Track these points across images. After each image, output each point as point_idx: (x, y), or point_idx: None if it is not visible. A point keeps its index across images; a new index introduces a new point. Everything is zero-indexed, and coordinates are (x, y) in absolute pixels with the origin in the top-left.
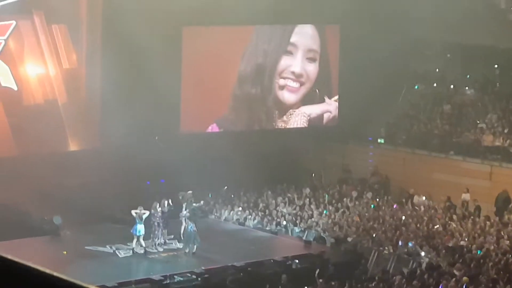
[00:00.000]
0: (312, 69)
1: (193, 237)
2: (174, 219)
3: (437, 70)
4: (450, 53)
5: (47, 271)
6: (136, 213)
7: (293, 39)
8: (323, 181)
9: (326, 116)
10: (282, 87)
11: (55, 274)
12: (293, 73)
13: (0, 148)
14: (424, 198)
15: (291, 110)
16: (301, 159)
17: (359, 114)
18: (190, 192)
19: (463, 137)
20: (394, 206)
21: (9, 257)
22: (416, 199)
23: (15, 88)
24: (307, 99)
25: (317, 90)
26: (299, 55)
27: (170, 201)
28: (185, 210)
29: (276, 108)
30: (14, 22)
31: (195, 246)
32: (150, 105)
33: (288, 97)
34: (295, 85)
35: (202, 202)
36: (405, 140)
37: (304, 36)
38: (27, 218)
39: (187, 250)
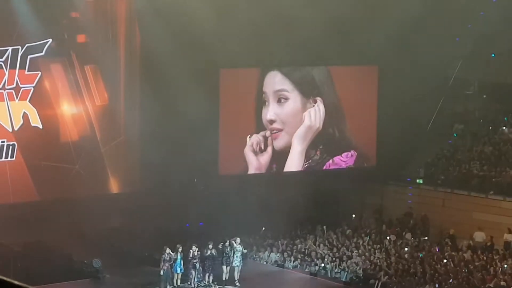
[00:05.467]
0: (285, 109)
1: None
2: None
3: (476, 109)
4: (488, 92)
5: None
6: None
7: (264, 87)
8: (362, 222)
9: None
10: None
11: None
12: (268, 121)
13: (40, 190)
14: (483, 233)
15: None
16: (340, 200)
17: (398, 154)
18: (238, 239)
19: (502, 177)
20: (437, 250)
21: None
22: (476, 234)
23: (41, 127)
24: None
25: (336, 132)
26: (271, 101)
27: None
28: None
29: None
30: (40, 73)
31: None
32: (189, 146)
33: (275, 144)
34: (275, 131)
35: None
36: (444, 180)
37: (271, 82)
38: (67, 261)
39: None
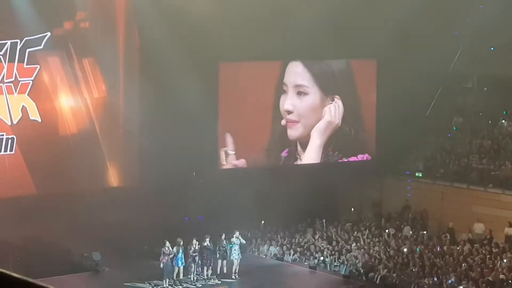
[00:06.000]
0: (304, 103)
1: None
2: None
3: (475, 103)
4: (487, 86)
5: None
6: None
7: (284, 78)
8: (361, 215)
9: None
10: (286, 125)
11: None
12: (286, 111)
13: (38, 184)
14: (482, 224)
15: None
16: (339, 193)
17: (397, 148)
18: (237, 232)
19: (501, 170)
20: (438, 249)
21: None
22: (475, 226)
23: (39, 121)
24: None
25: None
26: (290, 92)
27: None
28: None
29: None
30: (38, 66)
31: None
32: (188, 140)
33: (290, 133)
34: (291, 122)
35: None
36: (443, 173)
37: (292, 74)
38: (67, 254)
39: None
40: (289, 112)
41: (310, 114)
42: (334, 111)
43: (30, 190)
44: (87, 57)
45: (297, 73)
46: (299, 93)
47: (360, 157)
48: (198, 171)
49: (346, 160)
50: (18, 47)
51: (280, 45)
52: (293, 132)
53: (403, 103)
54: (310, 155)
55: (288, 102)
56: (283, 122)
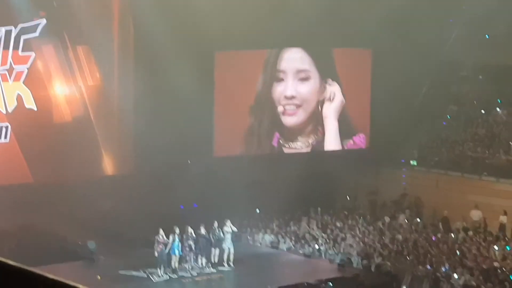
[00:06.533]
0: (306, 88)
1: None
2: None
3: (470, 91)
4: (482, 74)
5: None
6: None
7: (281, 65)
8: (356, 204)
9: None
10: (282, 113)
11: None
12: (286, 97)
13: (34, 172)
14: (480, 212)
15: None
16: (334, 182)
17: (391, 136)
18: (228, 221)
19: (496, 159)
20: (433, 239)
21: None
22: (472, 213)
23: (35, 109)
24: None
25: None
26: (290, 78)
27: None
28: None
29: (284, 132)
30: (33, 54)
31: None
32: (183, 128)
33: (288, 120)
34: (292, 108)
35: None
36: (437, 162)
37: (291, 60)
38: (62, 243)
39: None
40: (291, 98)
41: (312, 99)
42: (339, 91)
43: (26, 178)
44: (81, 45)
45: (296, 59)
46: (301, 79)
47: (355, 139)
48: (193, 159)
49: (351, 141)
50: (13, 34)
51: (275, 34)
52: (293, 119)
53: (398, 92)
54: (331, 141)
55: (289, 88)
56: (280, 109)
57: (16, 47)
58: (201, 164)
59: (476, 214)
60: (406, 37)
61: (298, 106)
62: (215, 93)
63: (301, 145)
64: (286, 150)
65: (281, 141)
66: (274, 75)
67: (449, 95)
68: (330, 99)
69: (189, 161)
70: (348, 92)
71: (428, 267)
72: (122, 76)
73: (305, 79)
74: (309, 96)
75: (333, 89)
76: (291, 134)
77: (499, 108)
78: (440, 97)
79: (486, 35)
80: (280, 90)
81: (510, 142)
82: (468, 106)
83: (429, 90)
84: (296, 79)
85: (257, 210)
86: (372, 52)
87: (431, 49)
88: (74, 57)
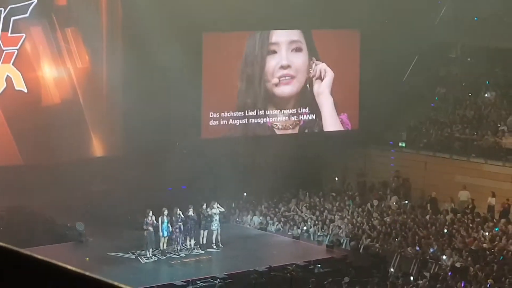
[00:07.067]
0: (299, 59)
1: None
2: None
3: (458, 73)
4: (471, 56)
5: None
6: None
7: (273, 39)
8: (345, 185)
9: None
10: (277, 84)
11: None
12: (282, 67)
13: (24, 155)
14: (468, 192)
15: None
16: (323, 163)
17: (380, 118)
18: (216, 203)
19: (484, 140)
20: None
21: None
22: (461, 193)
23: (25, 91)
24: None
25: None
26: (283, 49)
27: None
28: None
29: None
30: (24, 35)
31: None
32: (172, 110)
33: (284, 90)
34: (287, 78)
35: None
36: (426, 143)
37: (284, 33)
38: (50, 225)
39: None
40: (287, 68)
41: (304, 71)
42: (328, 68)
43: (15, 160)
44: (69, 26)
45: (290, 32)
46: (294, 49)
47: (342, 116)
48: (181, 141)
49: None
50: (2, 15)
51: (263, 15)
52: (289, 88)
53: (386, 74)
54: (328, 122)
55: (284, 57)
56: (275, 80)
57: (5, 28)
58: (189, 145)
59: (464, 194)
60: (394, 18)
61: (292, 77)
62: (203, 74)
63: (290, 124)
64: (277, 131)
65: (273, 123)
66: (266, 50)
67: (438, 77)
68: (321, 77)
69: (177, 143)
70: (337, 73)
71: (417, 248)
72: (110, 58)
73: (298, 49)
74: (302, 67)
75: (322, 66)
76: (283, 104)
77: (487, 90)
78: (429, 79)
79: (475, 17)
80: (274, 63)
81: (498, 124)
82: (457, 88)
83: (417, 72)
84: (289, 50)
85: (245, 194)
86: (360, 34)
87: (419, 31)
88: (62, 39)
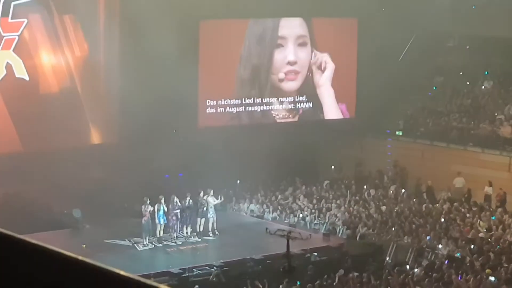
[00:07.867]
0: (304, 53)
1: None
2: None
3: (456, 62)
4: (469, 45)
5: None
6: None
7: (280, 32)
8: (341, 174)
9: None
10: (282, 80)
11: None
12: (289, 63)
13: (24, 142)
14: (462, 178)
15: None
16: (319, 152)
17: (377, 106)
18: (211, 191)
19: (481, 129)
20: (424, 206)
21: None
22: (456, 180)
23: (27, 79)
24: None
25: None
26: (290, 44)
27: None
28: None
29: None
30: (26, 20)
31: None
32: (168, 99)
33: (289, 85)
34: (293, 74)
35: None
36: (423, 132)
37: (291, 27)
38: (47, 211)
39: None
40: (293, 64)
41: (307, 65)
42: (329, 59)
43: (15, 147)
44: (67, 13)
45: (296, 25)
46: (300, 44)
47: (341, 107)
48: (179, 128)
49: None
50: (2, 0)
51: (262, 2)
52: (294, 84)
53: (384, 62)
54: (331, 110)
55: (290, 53)
56: (281, 75)
57: (5, 14)
58: (186, 133)
59: (459, 181)
60: (392, 6)
61: (297, 73)
62: (200, 63)
63: (290, 113)
64: (278, 120)
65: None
66: (272, 42)
67: (435, 66)
68: (322, 68)
69: (174, 131)
70: (335, 62)
71: (418, 235)
72: (108, 45)
73: (303, 44)
74: (306, 62)
75: (323, 57)
76: (285, 97)
77: (485, 79)
78: (426, 67)
79: (473, 6)
80: (281, 57)
81: (496, 113)
82: (454, 76)
83: (415, 60)
84: (296, 45)
85: (238, 182)
86: (358, 22)
87: (417, 19)
88: (61, 26)
